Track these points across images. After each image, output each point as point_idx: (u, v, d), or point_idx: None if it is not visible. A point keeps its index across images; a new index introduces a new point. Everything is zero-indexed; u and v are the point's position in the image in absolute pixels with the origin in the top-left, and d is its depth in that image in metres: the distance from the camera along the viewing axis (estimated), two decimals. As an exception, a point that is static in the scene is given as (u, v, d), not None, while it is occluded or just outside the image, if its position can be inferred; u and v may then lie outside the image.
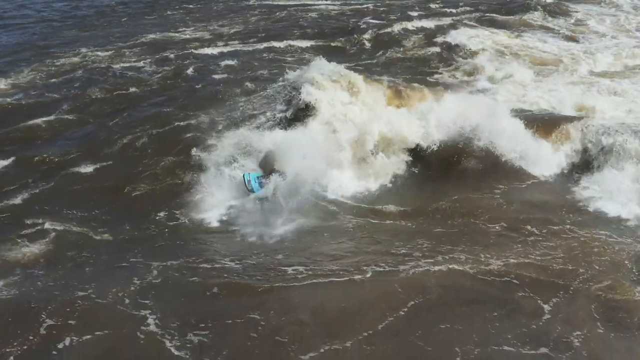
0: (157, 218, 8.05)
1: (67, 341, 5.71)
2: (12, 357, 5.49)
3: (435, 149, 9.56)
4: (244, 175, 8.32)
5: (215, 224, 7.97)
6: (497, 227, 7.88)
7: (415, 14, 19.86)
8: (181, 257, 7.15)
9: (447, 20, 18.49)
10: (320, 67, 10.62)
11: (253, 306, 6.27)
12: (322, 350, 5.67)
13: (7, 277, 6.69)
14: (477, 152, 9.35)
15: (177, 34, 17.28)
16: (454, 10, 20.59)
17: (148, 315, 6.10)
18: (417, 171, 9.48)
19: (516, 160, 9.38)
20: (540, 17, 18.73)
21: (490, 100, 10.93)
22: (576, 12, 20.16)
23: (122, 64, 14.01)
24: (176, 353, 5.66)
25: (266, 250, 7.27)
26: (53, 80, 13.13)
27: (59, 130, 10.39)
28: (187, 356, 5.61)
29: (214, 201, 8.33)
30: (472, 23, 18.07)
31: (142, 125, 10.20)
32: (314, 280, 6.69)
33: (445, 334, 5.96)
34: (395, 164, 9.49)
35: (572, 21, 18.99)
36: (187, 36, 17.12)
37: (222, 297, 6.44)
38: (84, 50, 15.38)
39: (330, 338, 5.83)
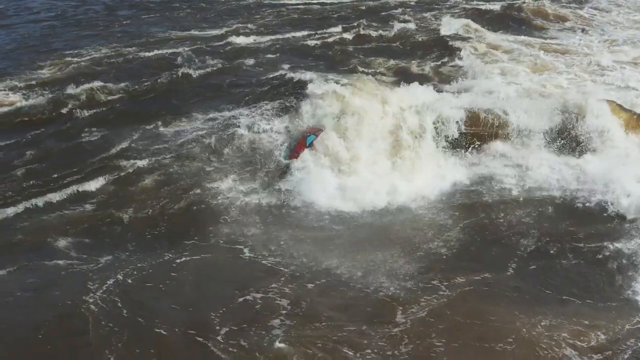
0: (228, 184, 8.72)
1: (183, 258, 6.89)
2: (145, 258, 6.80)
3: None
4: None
5: (286, 188, 8.64)
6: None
7: (437, 6, 20.36)
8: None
9: (459, 11, 19.18)
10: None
11: (336, 245, 7.35)
12: (401, 263, 6.87)
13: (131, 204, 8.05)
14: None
15: (192, 32, 17.20)
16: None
17: (243, 248, 7.20)
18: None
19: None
20: (551, 9, 19.63)
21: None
22: (583, 5, 21.04)
23: (153, 56, 14.32)
24: (274, 267, 6.79)
25: (324, 218, 8.09)
26: (95, 68, 13.39)
27: (121, 110, 10.95)
28: (283, 267, 6.76)
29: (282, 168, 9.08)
30: (487, 13, 18.79)
31: (202, 104, 10.84)
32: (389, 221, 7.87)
33: (501, 244, 7.12)
34: None
35: (582, 13, 19.89)
36: (203, 33, 17.08)
37: (306, 243, 7.38)
38: (100, 45, 15.49)
39: (406, 256, 7.03)
